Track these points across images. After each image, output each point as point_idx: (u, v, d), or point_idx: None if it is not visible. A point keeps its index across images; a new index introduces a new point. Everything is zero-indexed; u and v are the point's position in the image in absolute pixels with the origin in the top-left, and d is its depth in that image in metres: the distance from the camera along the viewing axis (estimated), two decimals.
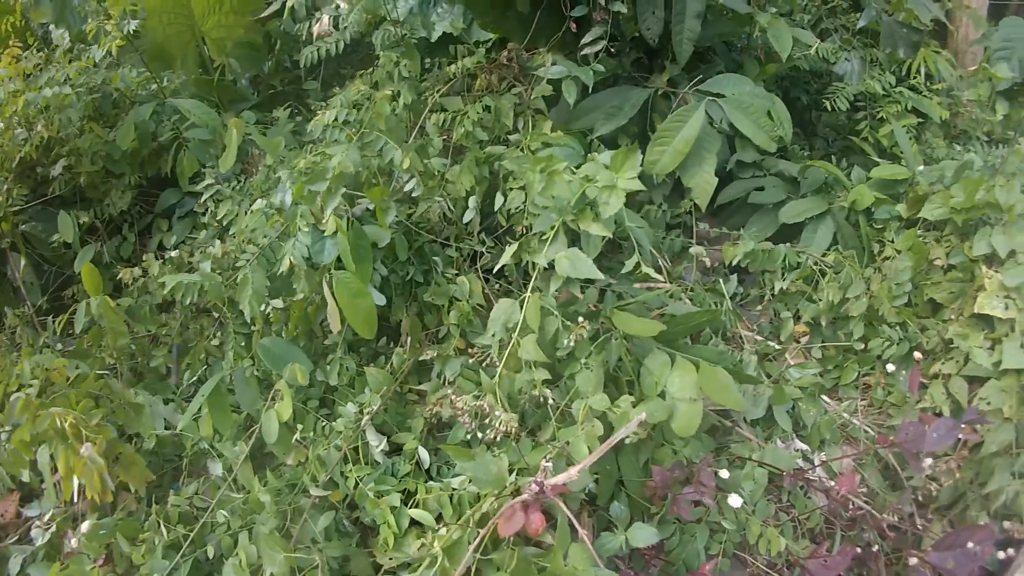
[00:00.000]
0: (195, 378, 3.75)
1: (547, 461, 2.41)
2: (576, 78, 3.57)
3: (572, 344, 2.65)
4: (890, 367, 3.32)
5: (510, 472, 2.60)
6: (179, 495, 3.27)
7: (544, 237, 2.87)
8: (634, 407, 2.68)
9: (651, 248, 3.48)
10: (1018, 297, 3.21)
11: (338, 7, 4.10)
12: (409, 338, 3.34)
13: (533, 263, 2.90)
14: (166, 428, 3.53)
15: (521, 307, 2.79)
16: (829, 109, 4.45)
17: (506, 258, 2.94)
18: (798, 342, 3.65)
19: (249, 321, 3.45)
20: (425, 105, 3.90)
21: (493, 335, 2.85)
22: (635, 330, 2.68)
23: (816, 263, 3.56)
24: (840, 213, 3.85)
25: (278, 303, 3.45)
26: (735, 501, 2.45)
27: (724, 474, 2.56)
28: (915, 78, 4.83)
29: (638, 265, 2.93)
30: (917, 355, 3.20)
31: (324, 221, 3.08)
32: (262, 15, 5.02)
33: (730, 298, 3.64)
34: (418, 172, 3.39)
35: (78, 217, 4.19)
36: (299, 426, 3.20)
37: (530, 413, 2.94)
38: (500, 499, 2.52)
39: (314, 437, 3.24)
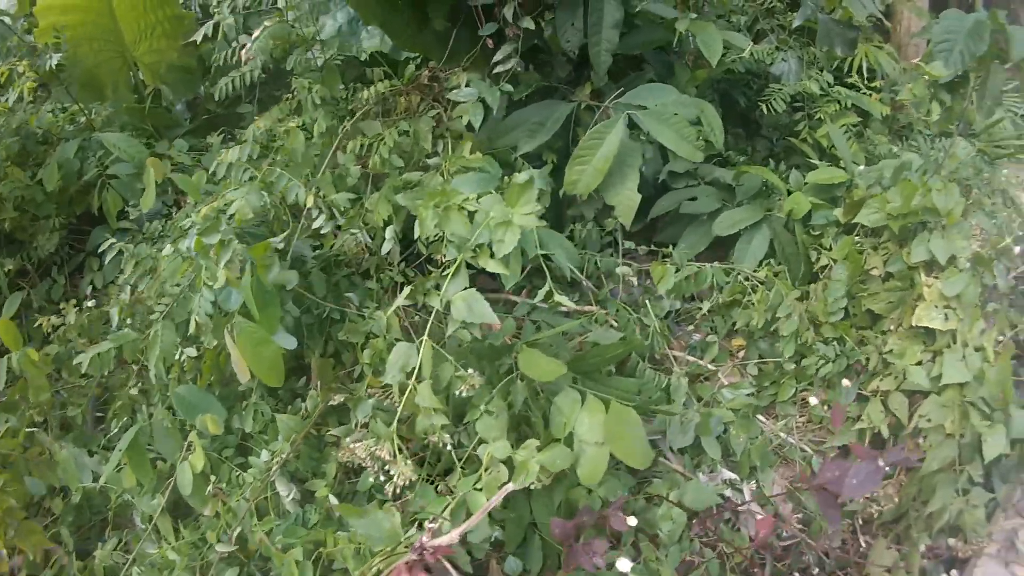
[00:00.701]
0: (120, 427, 3.39)
1: (432, 522, 2.06)
2: (483, 101, 3.18)
3: (465, 395, 2.29)
4: (825, 388, 2.95)
5: (410, 524, 2.31)
6: (103, 549, 3.00)
7: (445, 272, 2.50)
8: (540, 451, 2.31)
9: (576, 269, 3.11)
10: (958, 307, 2.82)
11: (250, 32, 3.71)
12: (320, 380, 2.96)
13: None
14: (94, 480, 3.20)
15: (419, 351, 2.43)
16: (766, 112, 4.05)
17: (400, 300, 2.56)
18: (735, 356, 3.27)
19: (161, 375, 3.09)
20: (345, 130, 3.51)
21: (392, 379, 2.49)
22: (538, 373, 2.31)
23: (748, 278, 3.17)
24: (778, 220, 3.46)
25: (191, 351, 3.09)
26: (624, 565, 2.08)
27: (632, 521, 2.18)
28: (854, 75, 4.43)
29: (551, 292, 2.56)
30: (845, 382, 2.83)
31: (218, 273, 2.71)
32: (191, 38, 4.63)
33: (664, 316, 3.27)
34: (328, 207, 3.02)
35: (3, 264, 3.81)
36: (213, 477, 2.86)
37: (435, 458, 2.59)
38: (393, 557, 2.18)
39: (228, 487, 2.90)
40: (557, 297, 2.49)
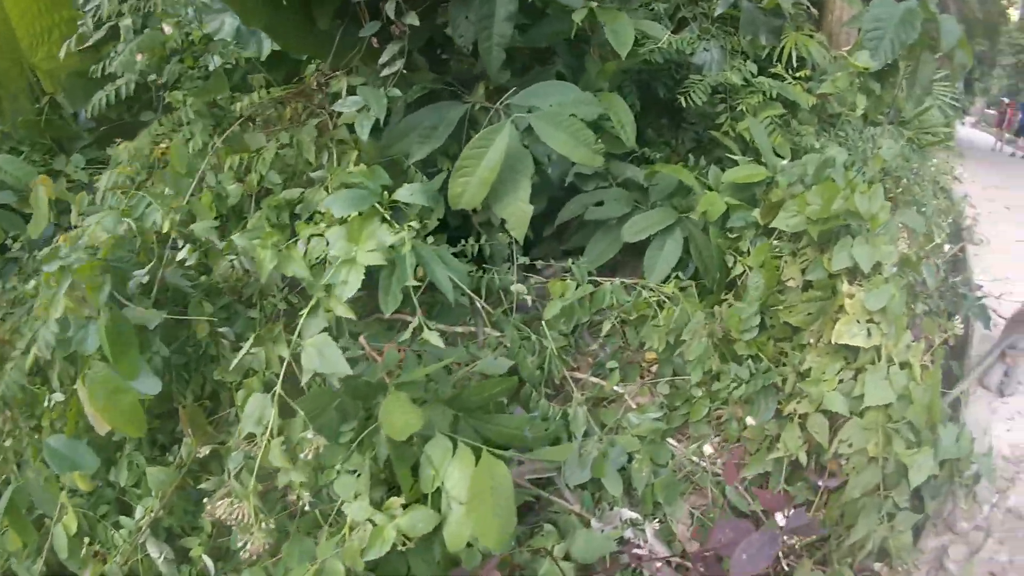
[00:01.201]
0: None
1: None
2: (368, 110, 2.75)
3: (310, 458, 1.89)
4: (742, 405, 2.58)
5: None
6: None
7: (301, 312, 2.09)
8: (405, 509, 1.93)
9: (470, 289, 2.71)
10: (883, 321, 2.46)
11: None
12: (191, 428, 2.54)
13: None
14: None
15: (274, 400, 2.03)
16: (684, 104, 3.64)
17: (244, 353, 2.16)
18: (647, 372, 2.89)
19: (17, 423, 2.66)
20: (227, 144, 3.06)
21: (247, 433, 2.08)
22: (393, 428, 1.90)
23: (653, 291, 2.78)
24: (695, 223, 3.08)
25: (59, 396, 2.66)
26: None
27: None
28: (780, 65, 4.03)
29: (421, 327, 2.16)
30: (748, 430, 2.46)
31: (57, 302, 2.28)
32: (89, 42, 4.12)
33: (572, 330, 2.87)
34: (191, 235, 2.59)
35: None
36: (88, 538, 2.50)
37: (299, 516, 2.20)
38: None
39: (105, 547, 2.51)
40: (426, 334, 2.09)
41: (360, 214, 2.17)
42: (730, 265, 2.90)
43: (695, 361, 2.52)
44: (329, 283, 1.97)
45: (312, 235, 2.13)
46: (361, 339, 2.52)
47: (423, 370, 2.18)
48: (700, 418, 2.68)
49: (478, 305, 2.74)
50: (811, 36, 4.26)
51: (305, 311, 2.03)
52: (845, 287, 2.52)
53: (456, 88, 3.20)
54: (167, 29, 3.73)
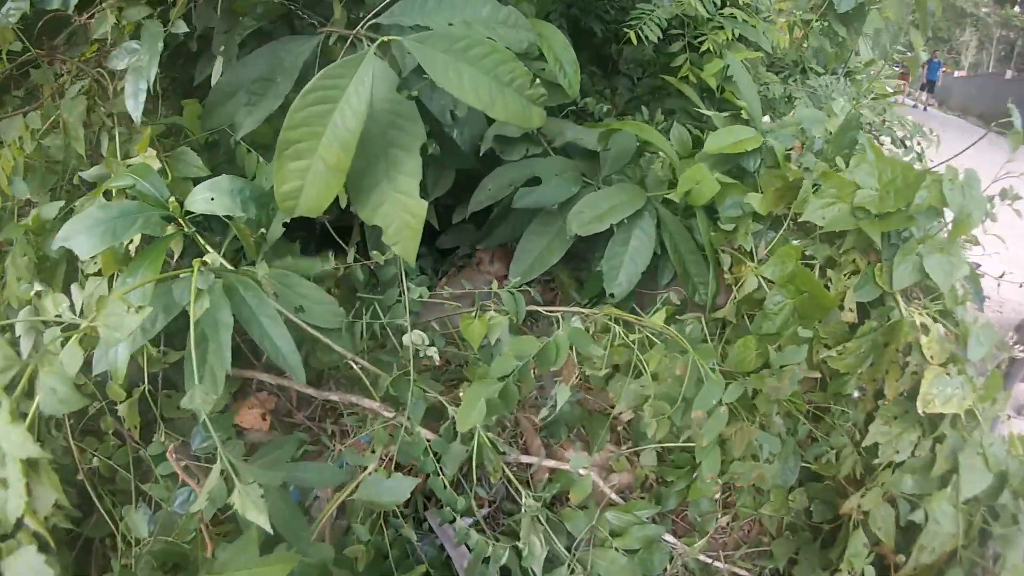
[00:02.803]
0: None
1: None
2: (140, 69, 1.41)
3: None
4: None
5: None
6: None
7: None
8: None
9: (339, 349, 1.49)
10: (972, 371, 1.50)
11: None
12: None
13: None
14: None
15: None
16: (634, 41, 2.50)
17: None
18: (623, 435, 1.82)
19: None
20: None
21: None
22: None
23: (633, 326, 1.65)
24: (665, 207, 2.00)
25: None
26: None
27: None
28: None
29: None
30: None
31: None
32: None
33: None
34: None
35: None
36: None
37: None
38: None
39: None
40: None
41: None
42: (726, 269, 1.85)
43: (709, 448, 1.45)
44: None
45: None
46: None
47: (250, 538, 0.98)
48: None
49: (356, 370, 1.53)
50: None
51: None
52: (918, 318, 1.53)
53: (305, 16, 1.86)
54: None
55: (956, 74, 25.11)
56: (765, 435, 1.52)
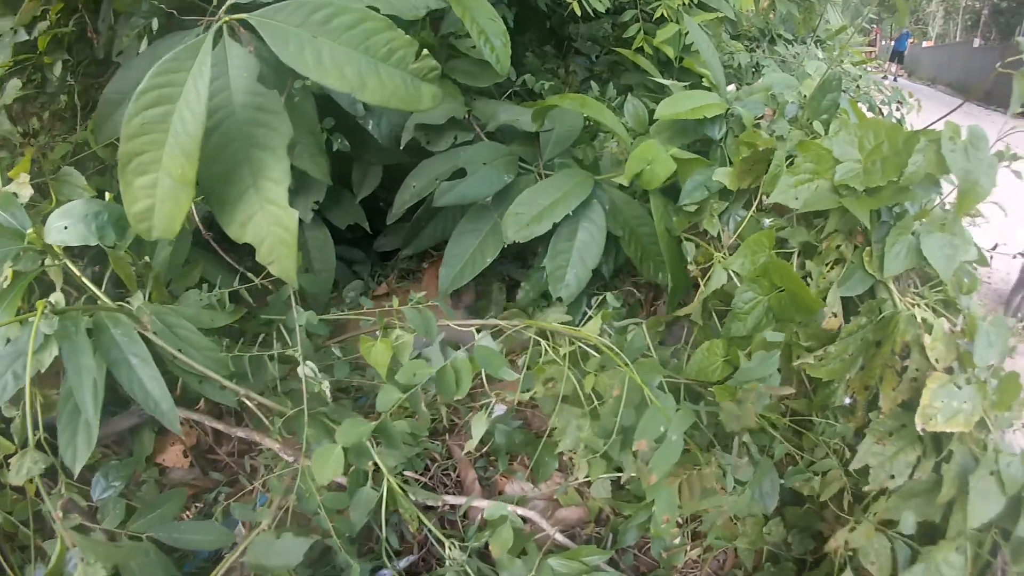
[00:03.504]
0: None
1: None
2: None
3: None
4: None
5: None
6: None
7: None
8: None
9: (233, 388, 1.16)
10: (984, 374, 1.19)
11: None
12: None
13: None
14: None
15: None
16: (578, 11, 2.16)
17: None
18: (569, 465, 1.50)
19: None
20: None
21: None
22: None
23: (566, 337, 1.32)
24: (619, 193, 1.67)
25: None
26: None
27: None
28: None
29: None
30: None
31: None
32: None
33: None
34: None
35: None
36: None
37: None
38: None
39: None
40: None
41: None
42: (689, 261, 1.52)
43: (658, 483, 1.14)
44: None
45: None
46: None
47: None
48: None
49: (252, 407, 1.21)
50: None
51: None
52: (917, 312, 1.21)
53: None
54: None
55: (924, 44, 24.80)
56: (733, 460, 1.21)
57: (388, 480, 1.18)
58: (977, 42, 20.16)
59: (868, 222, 1.20)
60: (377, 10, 1.13)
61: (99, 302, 1.22)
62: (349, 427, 1.13)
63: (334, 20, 1.07)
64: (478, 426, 1.21)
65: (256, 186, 1.06)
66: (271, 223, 1.06)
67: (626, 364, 1.08)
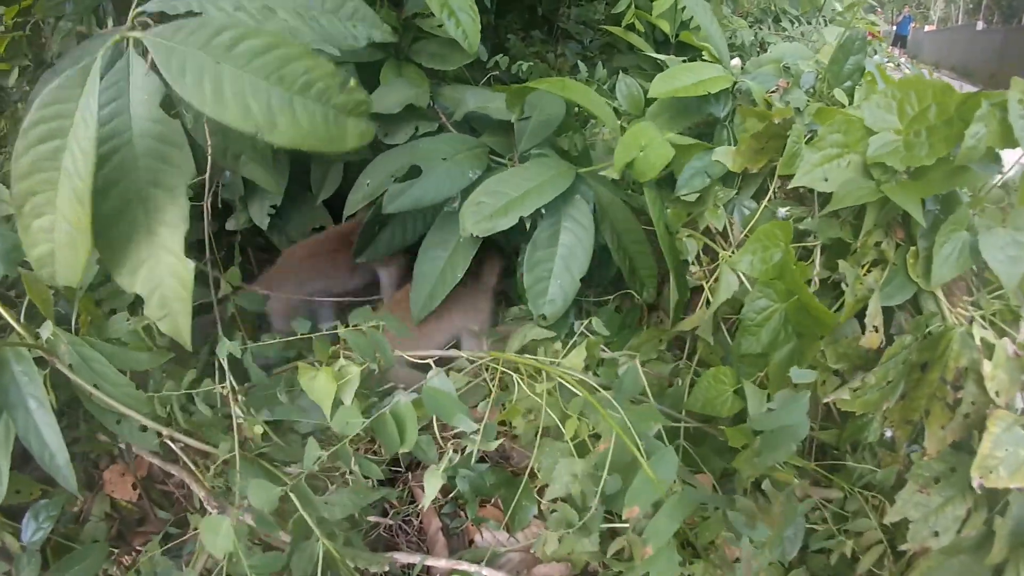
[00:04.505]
0: None
1: None
2: None
3: None
4: None
5: None
6: None
7: None
8: None
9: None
10: None
11: None
12: None
13: None
14: None
15: None
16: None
17: None
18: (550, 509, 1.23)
19: None
20: None
21: None
22: None
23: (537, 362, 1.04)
24: (607, 191, 1.38)
25: None
26: None
27: None
28: None
29: None
30: None
31: None
32: None
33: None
34: None
35: None
36: None
37: None
38: None
39: None
40: None
41: None
42: (690, 263, 1.23)
43: (656, 554, 0.86)
44: None
45: None
46: None
47: None
48: None
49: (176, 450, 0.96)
50: None
51: None
52: (976, 331, 0.91)
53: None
54: None
55: (926, 29, 23.91)
56: (744, 517, 0.92)
57: (323, 542, 0.92)
58: (980, 25, 19.35)
59: (920, 215, 0.89)
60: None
61: (13, 332, 0.99)
62: (258, 488, 0.87)
63: (241, 44, 0.82)
64: (432, 482, 0.94)
65: (150, 230, 0.84)
66: (165, 274, 0.84)
67: (605, 416, 0.80)
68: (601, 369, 0.96)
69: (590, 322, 1.03)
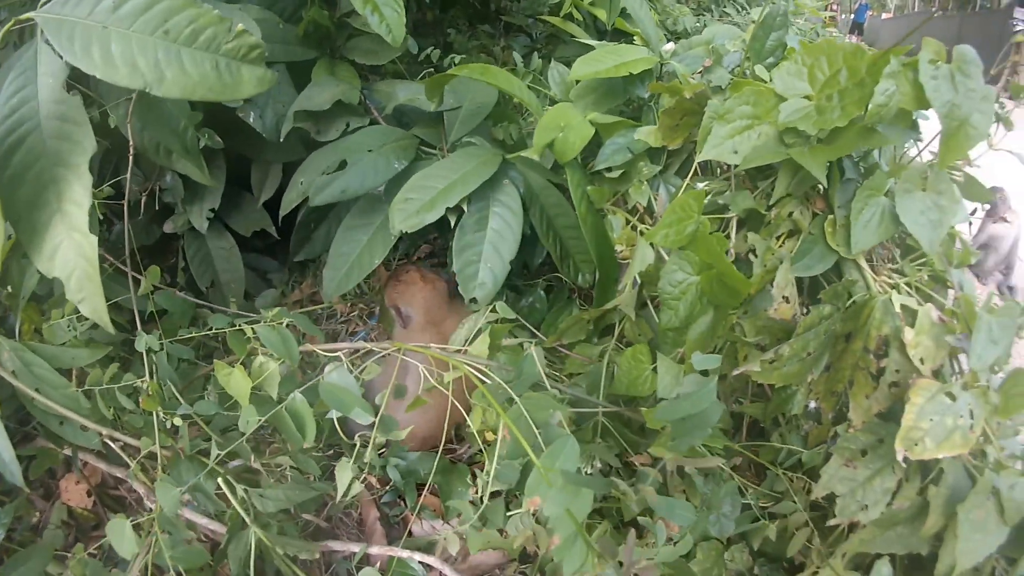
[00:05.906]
0: None
1: None
2: None
3: None
4: None
5: None
6: None
7: None
8: None
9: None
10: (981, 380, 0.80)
11: None
12: None
13: None
14: None
15: None
16: None
17: None
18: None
19: None
20: None
21: None
22: None
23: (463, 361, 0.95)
24: (537, 176, 1.29)
25: None
26: None
27: None
28: None
29: None
30: None
31: None
32: None
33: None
34: None
35: None
36: None
37: None
38: None
39: None
40: None
41: None
42: (615, 240, 1.14)
43: (564, 544, 0.77)
44: None
45: None
46: None
47: None
48: None
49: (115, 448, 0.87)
50: None
51: None
52: (897, 297, 0.82)
53: None
54: None
55: (883, 16, 23.64)
56: (666, 501, 0.83)
57: (255, 532, 0.84)
58: (936, 11, 19.14)
59: (824, 178, 0.80)
60: None
61: None
62: (163, 489, 0.78)
63: (125, 5, 0.76)
64: (342, 476, 0.85)
65: (61, 210, 0.78)
66: (77, 255, 0.78)
67: (498, 410, 0.71)
68: (504, 356, 0.87)
69: (494, 307, 0.94)
